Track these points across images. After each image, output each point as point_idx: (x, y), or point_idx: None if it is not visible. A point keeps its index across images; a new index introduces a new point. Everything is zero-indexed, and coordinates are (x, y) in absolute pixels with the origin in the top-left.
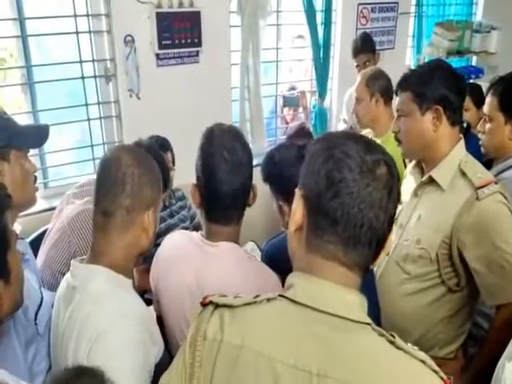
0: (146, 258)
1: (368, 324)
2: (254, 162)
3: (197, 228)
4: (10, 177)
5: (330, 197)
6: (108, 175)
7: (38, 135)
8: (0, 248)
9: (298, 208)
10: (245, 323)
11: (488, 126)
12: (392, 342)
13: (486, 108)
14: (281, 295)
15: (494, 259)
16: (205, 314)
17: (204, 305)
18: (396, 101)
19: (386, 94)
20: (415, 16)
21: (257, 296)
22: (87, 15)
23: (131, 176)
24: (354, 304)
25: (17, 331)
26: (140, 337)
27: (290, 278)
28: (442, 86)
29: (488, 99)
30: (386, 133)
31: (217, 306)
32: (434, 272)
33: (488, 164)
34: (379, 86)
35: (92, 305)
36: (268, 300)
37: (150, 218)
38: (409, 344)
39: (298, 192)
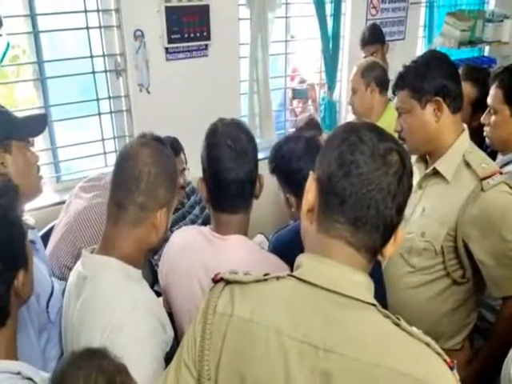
0: (155, 253)
1: (374, 305)
2: (263, 155)
3: (206, 223)
4: (14, 168)
5: (340, 176)
6: (125, 170)
7: (36, 124)
8: (19, 238)
9: (310, 189)
10: (255, 298)
11: (493, 118)
12: (397, 324)
13: (490, 100)
14: (290, 274)
15: (501, 251)
16: (216, 290)
17: (215, 281)
18: (395, 100)
19: (381, 84)
20: (426, 6)
21: (266, 274)
22: (97, 10)
23: (147, 175)
24: (360, 284)
25: (31, 318)
26: (153, 328)
27: (299, 259)
28: (439, 76)
29: (492, 91)
30: (379, 121)
31: (228, 282)
32: (438, 264)
33: (492, 154)
34: (374, 76)
35: (104, 298)
36: (277, 278)
37: (161, 217)
38: (414, 327)
39: (311, 174)
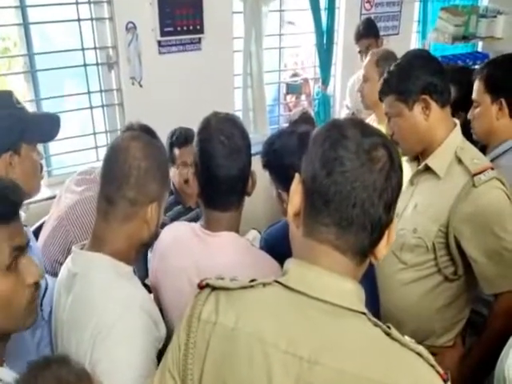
0: (147, 247)
1: (363, 313)
2: (256, 150)
3: None
4: (20, 169)
5: (324, 175)
6: (115, 164)
7: (49, 128)
8: None
9: (296, 191)
10: (240, 306)
11: (476, 111)
12: (388, 334)
13: (474, 94)
14: (276, 281)
15: (493, 248)
16: (201, 297)
17: (201, 287)
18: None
19: None
20: (420, 1)
21: (253, 280)
22: (89, 2)
23: (137, 169)
24: (349, 292)
25: None
26: (145, 326)
27: (287, 264)
28: (423, 75)
29: (475, 85)
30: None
31: (213, 288)
32: (430, 261)
33: (482, 150)
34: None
35: (95, 295)
36: (264, 285)
37: (152, 212)
38: (406, 336)
39: (297, 177)
